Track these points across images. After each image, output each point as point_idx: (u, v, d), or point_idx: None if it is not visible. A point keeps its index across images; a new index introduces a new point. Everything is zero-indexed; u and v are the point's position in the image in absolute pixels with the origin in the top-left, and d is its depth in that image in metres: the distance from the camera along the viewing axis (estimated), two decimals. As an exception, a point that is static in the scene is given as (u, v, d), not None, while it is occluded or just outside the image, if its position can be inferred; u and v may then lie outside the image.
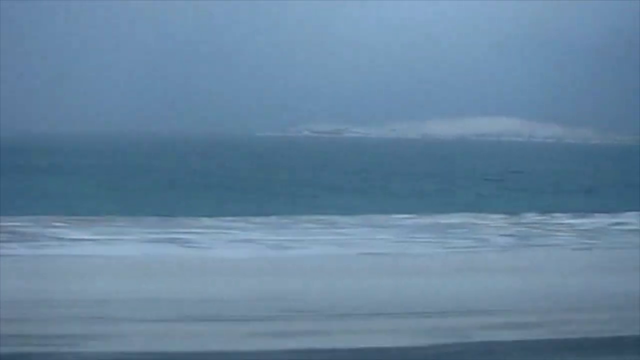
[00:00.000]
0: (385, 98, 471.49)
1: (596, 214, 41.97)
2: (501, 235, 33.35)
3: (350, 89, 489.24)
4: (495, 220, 38.88)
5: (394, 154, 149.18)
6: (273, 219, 36.72)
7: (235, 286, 20.05)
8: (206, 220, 35.85)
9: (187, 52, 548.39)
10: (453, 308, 17.45)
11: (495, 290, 19.83)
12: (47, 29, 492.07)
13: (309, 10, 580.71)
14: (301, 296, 18.72)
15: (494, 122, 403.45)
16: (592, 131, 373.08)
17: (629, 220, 39.42)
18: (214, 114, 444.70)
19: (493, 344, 14.49)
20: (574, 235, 33.79)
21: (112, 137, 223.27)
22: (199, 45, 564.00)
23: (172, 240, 29.55)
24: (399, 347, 14.30)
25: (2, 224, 31.87)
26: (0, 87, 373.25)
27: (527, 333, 15.49)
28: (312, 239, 30.94)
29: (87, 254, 25.91)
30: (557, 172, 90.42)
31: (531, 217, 41.17)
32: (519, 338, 15.07)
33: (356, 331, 15.51)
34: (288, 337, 14.89)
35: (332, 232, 33.18)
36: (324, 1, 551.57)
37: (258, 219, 36.21)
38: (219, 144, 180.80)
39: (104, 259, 24.89)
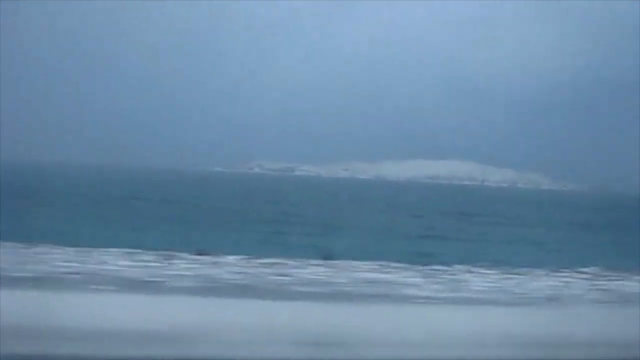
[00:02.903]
0: (340, 137, 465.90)
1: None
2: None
3: (305, 128, 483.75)
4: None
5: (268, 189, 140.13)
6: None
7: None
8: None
9: (143, 88, 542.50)
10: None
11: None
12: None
13: (263, 48, 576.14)
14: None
15: (447, 166, 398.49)
16: (543, 177, 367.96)
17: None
18: (170, 148, 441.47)
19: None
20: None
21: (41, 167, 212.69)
22: (155, 78, 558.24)
23: None
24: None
25: None
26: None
27: None
28: None
29: None
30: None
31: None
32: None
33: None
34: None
35: None
36: (274, 40, 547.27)
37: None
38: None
39: None
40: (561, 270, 32.11)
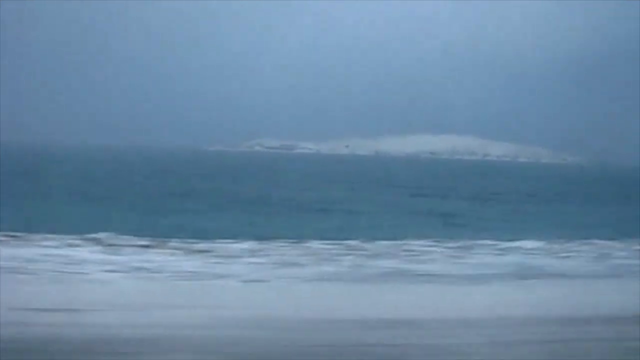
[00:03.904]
0: (341, 115, 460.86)
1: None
2: None
3: (306, 106, 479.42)
4: None
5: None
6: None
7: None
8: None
9: (146, 67, 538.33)
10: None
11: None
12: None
13: (263, 25, 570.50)
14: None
15: (448, 140, 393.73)
16: (545, 150, 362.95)
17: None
18: (172, 128, 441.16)
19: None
20: None
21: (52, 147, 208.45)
22: (155, 57, 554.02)
23: None
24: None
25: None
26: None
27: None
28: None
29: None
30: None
31: None
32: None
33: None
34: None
35: None
36: (275, 17, 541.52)
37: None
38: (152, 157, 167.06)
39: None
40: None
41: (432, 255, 24.16)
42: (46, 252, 21.73)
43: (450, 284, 19.25)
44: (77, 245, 23.36)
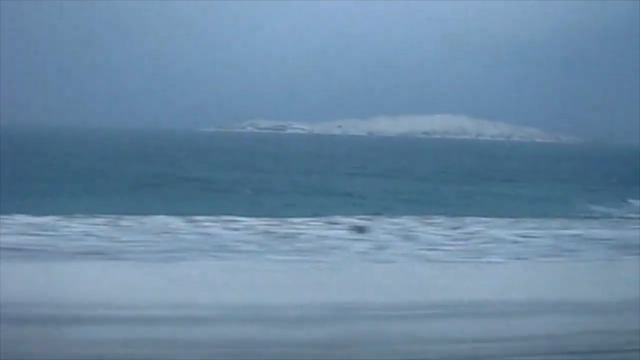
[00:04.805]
0: (334, 95, 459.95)
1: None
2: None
3: (299, 86, 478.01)
4: None
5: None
6: None
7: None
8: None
9: (137, 49, 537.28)
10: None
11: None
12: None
13: (256, 8, 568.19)
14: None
15: (441, 120, 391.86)
16: (538, 130, 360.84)
17: None
18: (168, 110, 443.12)
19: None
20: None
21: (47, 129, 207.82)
22: (149, 40, 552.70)
23: None
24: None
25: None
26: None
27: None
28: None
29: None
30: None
31: None
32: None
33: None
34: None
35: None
36: (267, 1, 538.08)
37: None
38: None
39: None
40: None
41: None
42: None
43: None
44: None
